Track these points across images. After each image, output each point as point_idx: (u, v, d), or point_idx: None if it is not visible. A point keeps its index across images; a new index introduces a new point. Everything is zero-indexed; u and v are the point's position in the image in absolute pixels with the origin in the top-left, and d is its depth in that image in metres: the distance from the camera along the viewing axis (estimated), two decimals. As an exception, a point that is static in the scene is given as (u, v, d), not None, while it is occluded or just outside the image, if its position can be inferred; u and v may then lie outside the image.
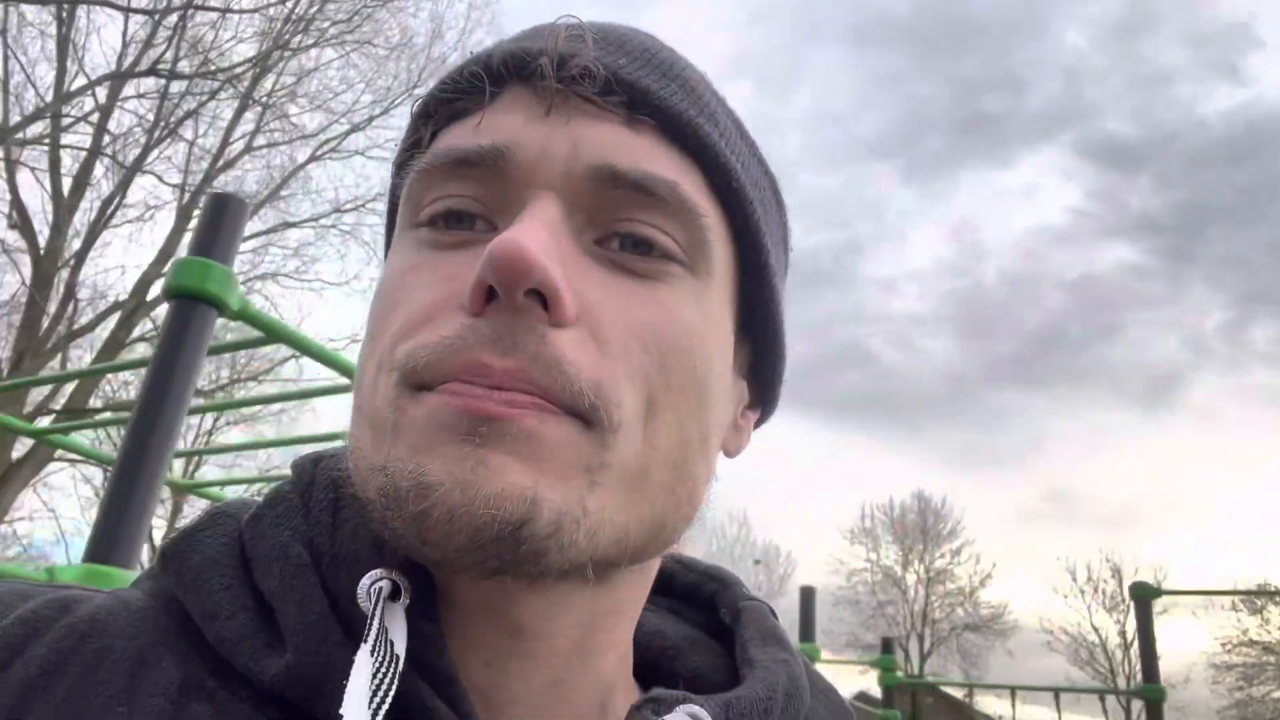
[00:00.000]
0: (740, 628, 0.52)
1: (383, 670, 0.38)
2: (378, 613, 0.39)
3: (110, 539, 1.94)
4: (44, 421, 10.63)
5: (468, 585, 0.42)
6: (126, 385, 13.64)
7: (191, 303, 2.12)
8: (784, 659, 0.50)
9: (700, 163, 0.43)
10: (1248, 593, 18.97)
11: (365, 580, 0.41)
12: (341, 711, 0.36)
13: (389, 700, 0.37)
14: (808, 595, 6.59)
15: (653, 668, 0.52)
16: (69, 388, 12.50)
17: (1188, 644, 23.25)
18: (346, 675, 0.38)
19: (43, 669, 0.39)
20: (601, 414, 0.39)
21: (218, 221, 2.24)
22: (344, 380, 3.08)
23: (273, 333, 2.62)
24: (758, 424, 0.55)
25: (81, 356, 13.95)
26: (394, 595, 0.41)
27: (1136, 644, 7.96)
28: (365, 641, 0.38)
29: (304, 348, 2.86)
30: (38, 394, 12.20)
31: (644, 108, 0.42)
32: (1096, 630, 26.43)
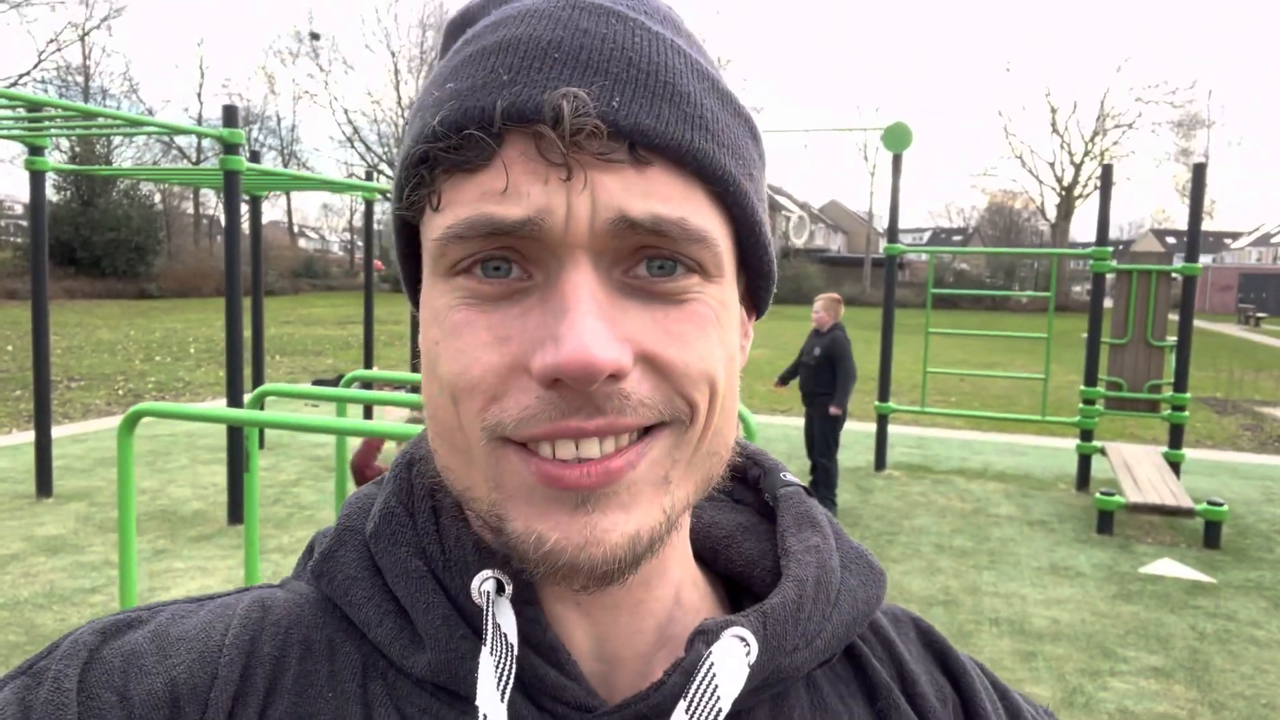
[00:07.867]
0: (779, 515, 0.60)
1: (502, 657, 0.47)
2: (490, 612, 0.48)
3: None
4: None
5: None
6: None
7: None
8: (815, 544, 0.57)
9: (701, 177, 0.48)
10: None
11: (475, 581, 0.50)
12: (477, 703, 0.46)
13: (511, 681, 0.47)
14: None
15: (711, 554, 0.61)
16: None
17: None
18: (476, 664, 0.48)
19: (275, 663, 0.50)
20: (683, 414, 0.47)
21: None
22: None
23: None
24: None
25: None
26: (499, 589, 0.50)
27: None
28: (484, 642, 0.48)
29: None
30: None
31: (645, 146, 0.45)
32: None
